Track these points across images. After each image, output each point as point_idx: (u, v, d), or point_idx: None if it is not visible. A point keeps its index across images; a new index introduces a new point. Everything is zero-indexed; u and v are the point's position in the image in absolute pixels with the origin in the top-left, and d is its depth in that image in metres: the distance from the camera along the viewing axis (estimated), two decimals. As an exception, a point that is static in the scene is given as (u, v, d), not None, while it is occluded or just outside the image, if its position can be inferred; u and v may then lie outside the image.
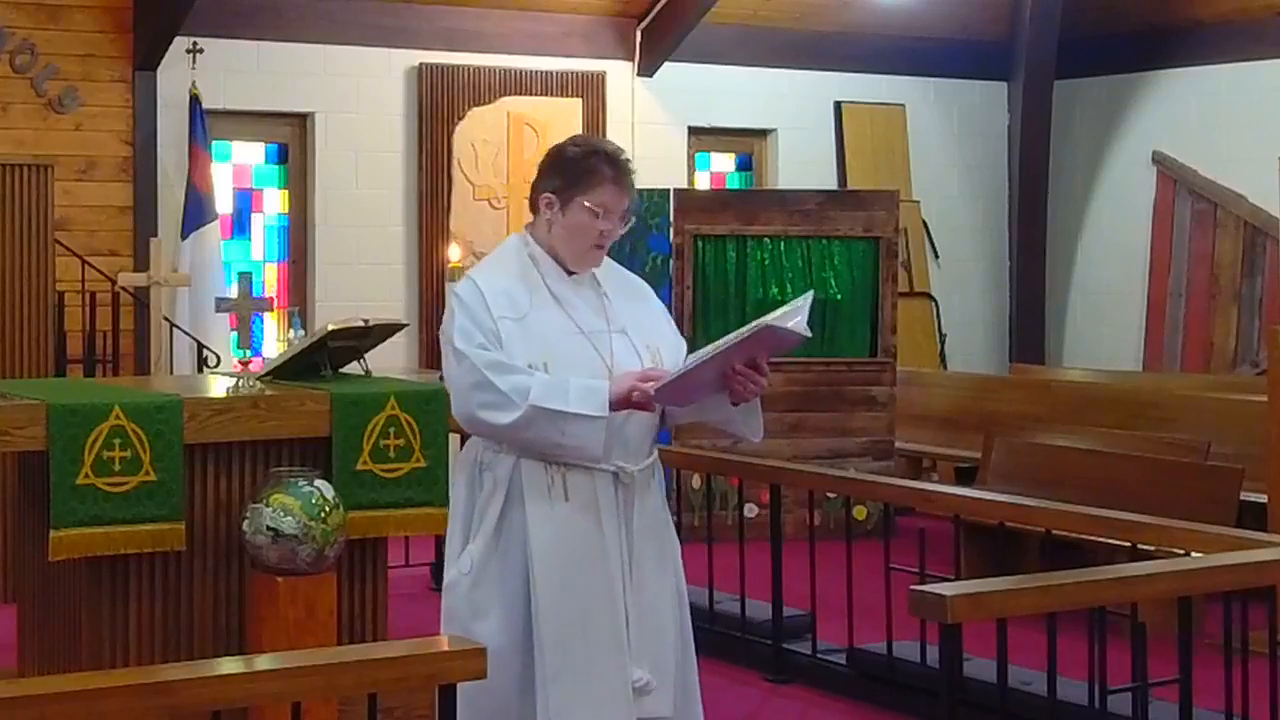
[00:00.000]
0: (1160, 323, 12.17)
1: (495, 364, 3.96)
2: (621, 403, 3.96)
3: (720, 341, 3.99)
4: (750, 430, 4.17)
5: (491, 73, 10.92)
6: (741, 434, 4.20)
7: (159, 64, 10.00)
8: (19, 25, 9.74)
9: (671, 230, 9.66)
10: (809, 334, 3.92)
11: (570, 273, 4.14)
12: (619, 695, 4.04)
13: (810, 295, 4.03)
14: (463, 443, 8.58)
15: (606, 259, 4.21)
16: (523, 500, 4.02)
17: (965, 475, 9.63)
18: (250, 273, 8.48)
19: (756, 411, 4.15)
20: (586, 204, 4.07)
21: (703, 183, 11.93)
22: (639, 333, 4.15)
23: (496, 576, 4.03)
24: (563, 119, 10.97)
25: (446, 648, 3.44)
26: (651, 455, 4.17)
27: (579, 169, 4.10)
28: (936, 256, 12.57)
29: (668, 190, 9.81)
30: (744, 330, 3.95)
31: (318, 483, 5.18)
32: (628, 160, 4.15)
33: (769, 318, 3.93)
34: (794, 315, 3.91)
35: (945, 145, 12.66)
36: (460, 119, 10.82)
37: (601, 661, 4.02)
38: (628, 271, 4.32)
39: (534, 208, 4.18)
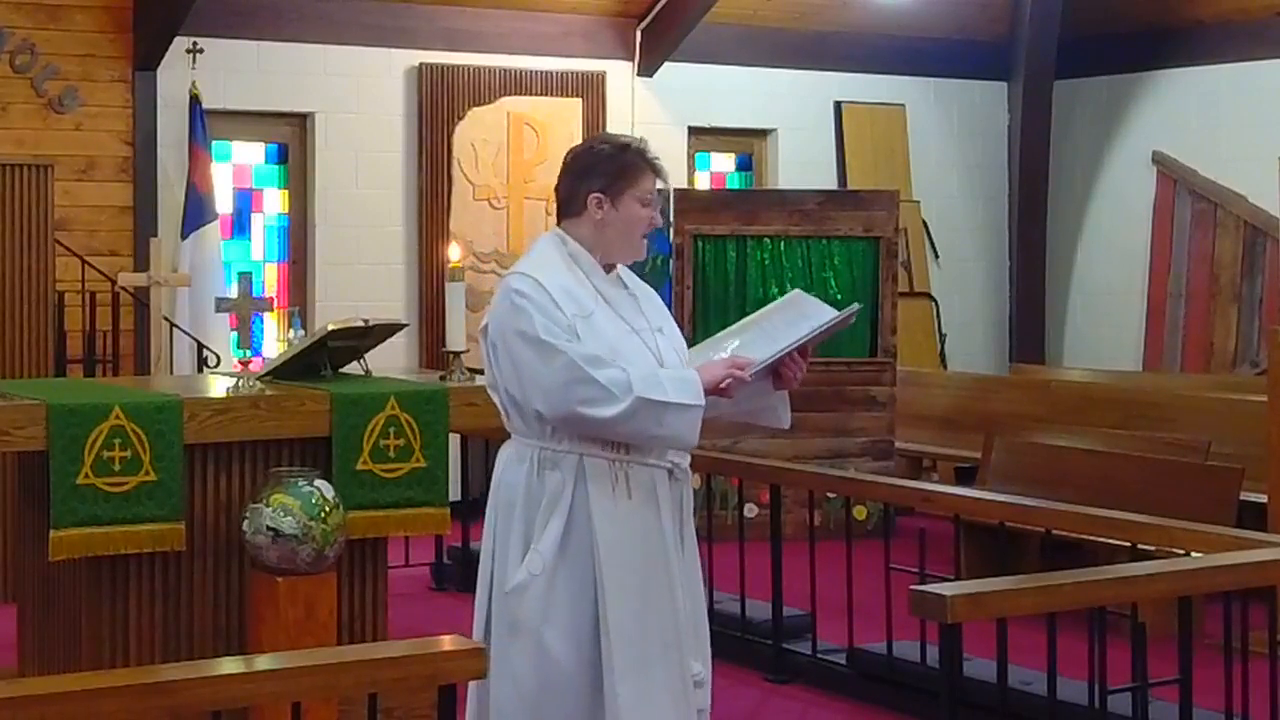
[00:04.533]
0: (1160, 323, 12.16)
1: (591, 358, 3.94)
2: (711, 391, 4.00)
3: (807, 326, 4.11)
4: (784, 418, 4.26)
5: (491, 73, 10.92)
6: (774, 423, 4.27)
7: (159, 64, 10.00)
8: (19, 25, 9.73)
9: (671, 230, 9.66)
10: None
11: (605, 271, 4.17)
12: (682, 690, 4.09)
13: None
14: (464, 443, 8.57)
15: None
16: (588, 498, 4.02)
17: (965, 475, 9.63)
18: (250, 273, 8.43)
19: (787, 398, 4.24)
20: (636, 195, 4.11)
21: (703, 183, 11.93)
22: (670, 331, 4.21)
23: (566, 576, 4.02)
24: (563, 119, 10.97)
25: (447, 648, 3.44)
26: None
27: (620, 164, 4.12)
28: (936, 256, 12.57)
29: (668, 190, 9.81)
30: (834, 315, 4.12)
31: (318, 483, 5.18)
32: (651, 149, 4.22)
33: (844, 310, 4.15)
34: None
35: (945, 145, 12.65)
36: (460, 119, 10.82)
37: (665, 657, 4.06)
38: (631, 272, 4.34)
39: (572, 211, 4.16)
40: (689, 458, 4.20)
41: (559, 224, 4.21)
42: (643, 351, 4.07)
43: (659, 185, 4.17)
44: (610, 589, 4.00)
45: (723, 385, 4.00)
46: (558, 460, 4.03)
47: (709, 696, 4.22)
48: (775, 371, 4.12)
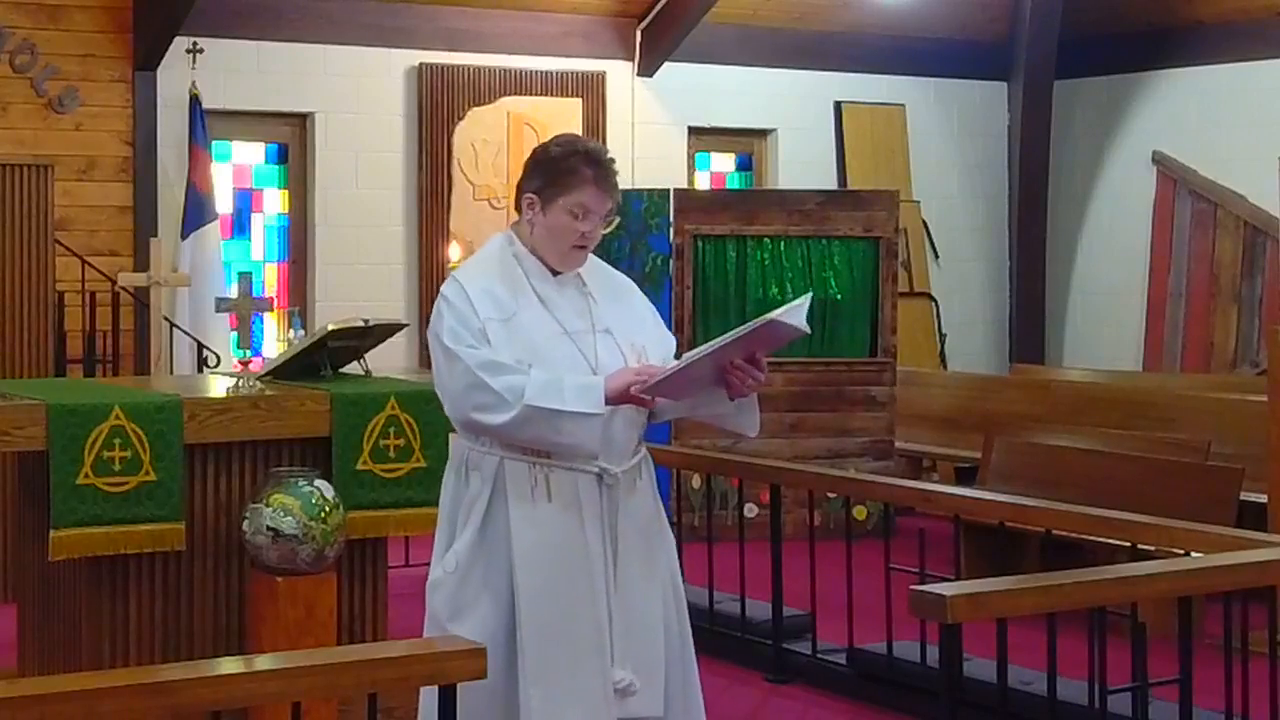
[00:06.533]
0: (1160, 323, 12.16)
1: (488, 364, 3.94)
2: (618, 398, 3.95)
3: (720, 338, 3.98)
4: (746, 426, 4.16)
5: (491, 73, 10.93)
6: (737, 429, 4.19)
7: (159, 64, 10.01)
8: (19, 25, 9.74)
9: (671, 230, 9.65)
10: (808, 330, 3.96)
11: (555, 272, 4.12)
12: (598, 697, 4.03)
13: (809, 296, 4.05)
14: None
15: (591, 256, 4.20)
16: (506, 500, 4.02)
17: (965, 475, 9.63)
18: (250, 273, 8.46)
19: (753, 407, 4.14)
20: (567, 205, 4.04)
21: (703, 183, 11.93)
22: (623, 332, 4.13)
23: (481, 576, 4.03)
24: (563, 119, 10.97)
25: (447, 648, 3.43)
26: (637, 455, 4.14)
27: (560, 169, 4.06)
28: (936, 256, 12.57)
29: (668, 190, 9.80)
30: (744, 326, 3.95)
31: (318, 483, 5.18)
32: (611, 160, 4.12)
33: (772, 313, 3.93)
34: (793, 312, 3.92)
35: (945, 145, 12.66)
36: (460, 119, 10.83)
37: (581, 663, 4.01)
38: (612, 269, 4.29)
39: (517, 207, 4.17)
40: (633, 460, 4.11)
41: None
42: (573, 355, 4.03)
43: (606, 202, 4.06)
44: (524, 592, 3.99)
45: (632, 392, 3.95)
46: (480, 462, 4.05)
47: (655, 704, 4.11)
48: (724, 380, 4.02)
